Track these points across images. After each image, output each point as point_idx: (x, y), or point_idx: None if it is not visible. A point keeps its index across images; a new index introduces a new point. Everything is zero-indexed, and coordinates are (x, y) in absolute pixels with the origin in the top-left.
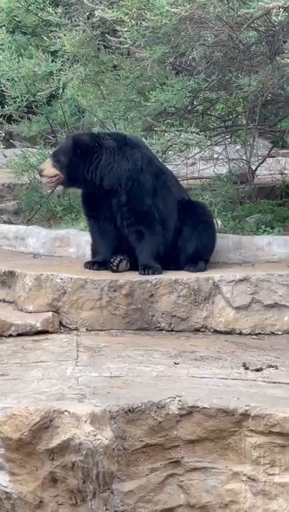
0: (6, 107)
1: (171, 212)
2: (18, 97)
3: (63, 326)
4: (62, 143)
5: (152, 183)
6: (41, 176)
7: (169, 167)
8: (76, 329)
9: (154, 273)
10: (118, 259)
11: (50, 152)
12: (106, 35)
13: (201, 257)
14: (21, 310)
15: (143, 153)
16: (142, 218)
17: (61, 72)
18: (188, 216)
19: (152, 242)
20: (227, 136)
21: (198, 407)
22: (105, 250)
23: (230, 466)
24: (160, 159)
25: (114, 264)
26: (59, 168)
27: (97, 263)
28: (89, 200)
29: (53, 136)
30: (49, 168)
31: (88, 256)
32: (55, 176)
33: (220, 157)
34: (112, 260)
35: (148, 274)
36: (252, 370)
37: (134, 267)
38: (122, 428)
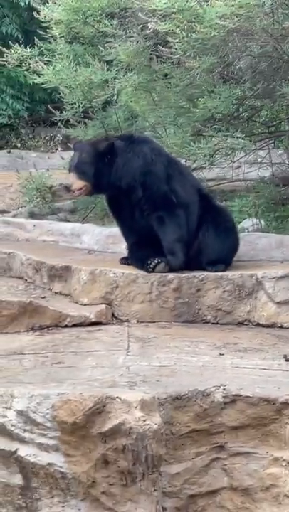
0: (64, 112)
1: (191, 197)
2: (75, 103)
3: (115, 317)
4: (78, 154)
5: (165, 170)
6: (70, 190)
7: (216, 170)
8: (127, 321)
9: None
10: (155, 261)
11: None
12: (158, 45)
13: (224, 261)
14: (76, 302)
15: (151, 147)
16: (160, 204)
17: (116, 80)
18: (211, 219)
19: (174, 223)
20: (270, 141)
21: (241, 395)
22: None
23: (270, 452)
24: (207, 162)
25: (151, 266)
26: (85, 178)
27: (126, 258)
28: (113, 202)
29: None
30: (76, 182)
31: None
32: (82, 188)
33: (263, 161)
34: (148, 262)
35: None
36: None
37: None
38: (169, 414)
